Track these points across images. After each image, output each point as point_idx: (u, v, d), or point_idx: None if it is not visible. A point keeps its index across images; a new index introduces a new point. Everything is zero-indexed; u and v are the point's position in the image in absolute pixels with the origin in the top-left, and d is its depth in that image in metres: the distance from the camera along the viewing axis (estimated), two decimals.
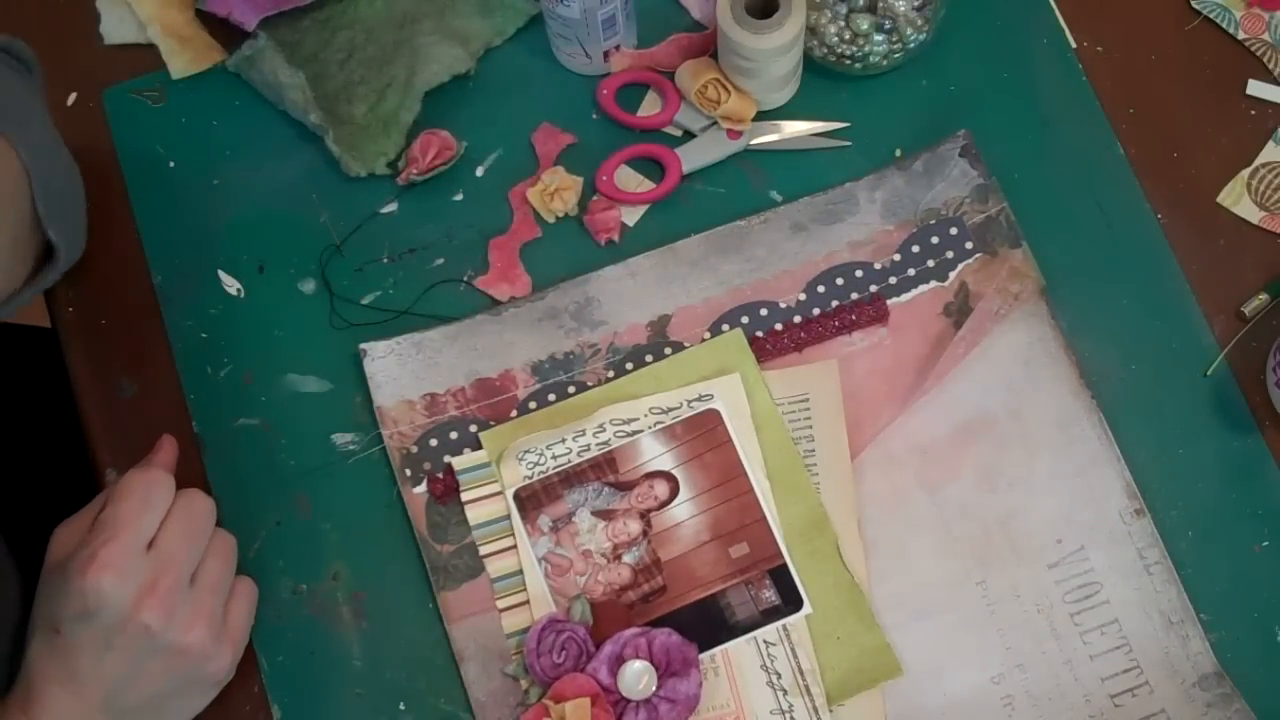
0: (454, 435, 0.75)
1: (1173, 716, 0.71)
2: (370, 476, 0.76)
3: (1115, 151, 0.80)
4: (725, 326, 0.77)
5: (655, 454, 0.75)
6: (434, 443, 0.75)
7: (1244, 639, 0.73)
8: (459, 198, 0.81)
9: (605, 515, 0.74)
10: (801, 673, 0.72)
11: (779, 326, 0.77)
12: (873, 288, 0.78)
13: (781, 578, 0.73)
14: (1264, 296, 0.78)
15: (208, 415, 0.77)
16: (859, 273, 0.78)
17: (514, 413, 0.76)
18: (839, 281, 0.78)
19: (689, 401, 0.75)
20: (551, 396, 0.76)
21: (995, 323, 0.76)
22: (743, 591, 0.73)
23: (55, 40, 0.83)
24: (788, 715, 0.71)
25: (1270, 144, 0.80)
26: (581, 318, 0.77)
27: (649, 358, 0.77)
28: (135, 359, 0.78)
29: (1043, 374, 0.76)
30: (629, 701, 0.71)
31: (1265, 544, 0.74)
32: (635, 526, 0.74)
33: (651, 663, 0.71)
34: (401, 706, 0.73)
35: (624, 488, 0.74)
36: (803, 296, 0.78)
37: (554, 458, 0.75)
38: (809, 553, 0.73)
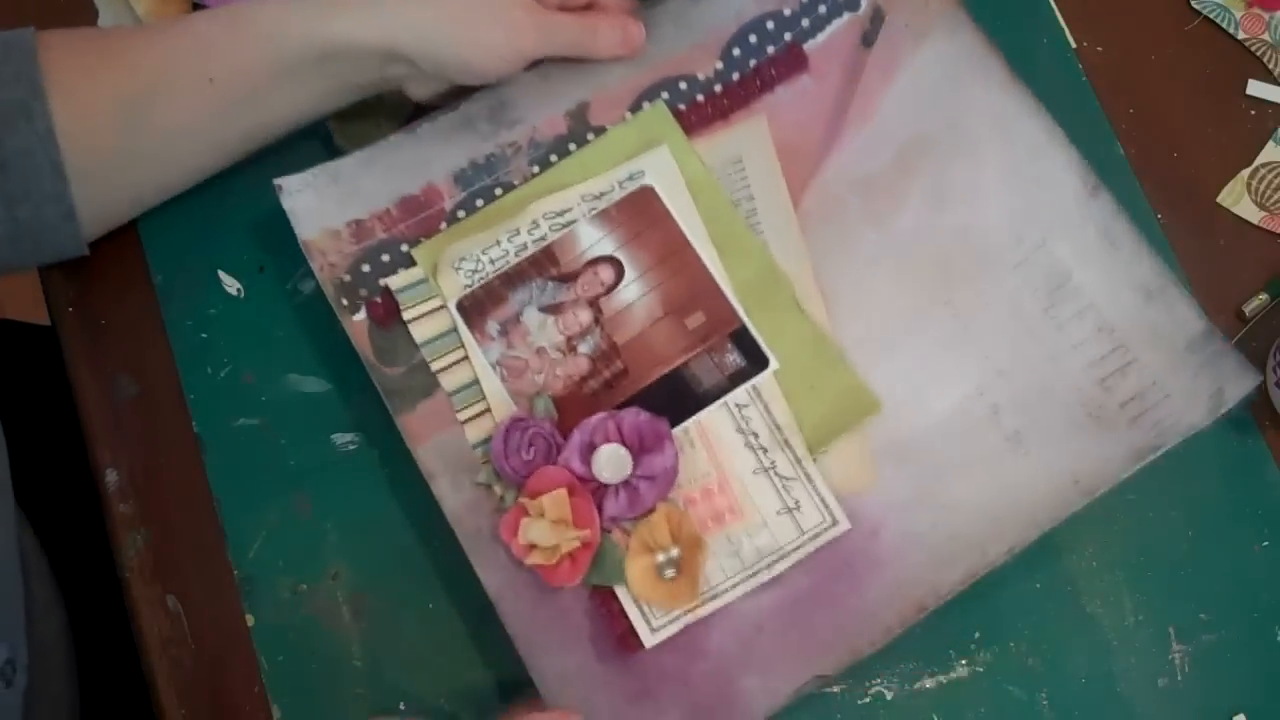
0: (386, 258, 0.73)
1: (1164, 385, 0.68)
2: (370, 476, 0.74)
3: (1115, 151, 0.79)
4: (645, 104, 0.75)
5: (594, 240, 0.72)
6: (366, 268, 0.73)
7: (1244, 639, 0.71)
8: None
9: (553, 310, 0.72)
10: (779, 428, 0.69)
11: (700, 98, 0.75)
12: (787, 36, 0.75)
13: (743, 339, 0.70)
14: (1264, 296, 0.76)
15: (208, 415, 0.75)
16: (770, 24, 0.75)
17: (443, 225, 0.73)
18: (753, 39, 0.75)
19: (620, 183, 0.73)
20: (479, 202, 0.74)
21: (915, 41, 0.73)
22: (705, 360, 0.70)
23: None
24: (770, 471, 0.68)
25: (1270, 144, 0.79)
26: (497, 120, 0.75)
27: (573, 146, 0.74)
28: (135, 359, 0.76)
29: (972, 81, 0.73)
30: (607, 486, 0.68)
31: (1265, 544, 0.73)
32: (586, 316, 0.72)
33: (624, 444, 0.68)
34: (401, 706, 0.70)
35: (568, 279, 0.72)
36: (720, 65, 0.75)
37: (491, 261, 0.72)
38: (767, 310, 0.71)
